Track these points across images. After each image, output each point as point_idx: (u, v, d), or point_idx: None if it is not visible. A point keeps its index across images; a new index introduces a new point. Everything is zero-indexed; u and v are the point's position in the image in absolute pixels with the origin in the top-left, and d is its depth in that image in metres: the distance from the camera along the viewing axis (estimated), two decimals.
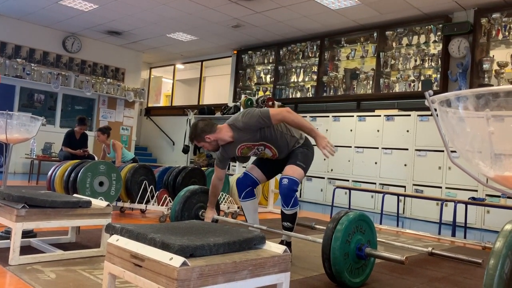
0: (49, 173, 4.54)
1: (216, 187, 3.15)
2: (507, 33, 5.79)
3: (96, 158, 6.75)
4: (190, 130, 3.10)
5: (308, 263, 2.87)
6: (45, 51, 8.97)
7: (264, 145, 2.97)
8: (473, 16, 6.04)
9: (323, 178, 7.21)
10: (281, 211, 2.90)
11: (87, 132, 7.45)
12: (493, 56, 5.88)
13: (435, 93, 1.17)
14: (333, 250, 2.30)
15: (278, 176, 3.08)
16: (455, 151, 1.26)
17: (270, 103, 5.08)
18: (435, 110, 1.18)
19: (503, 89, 0.99)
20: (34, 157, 7.48)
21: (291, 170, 2.86)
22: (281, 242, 2.91)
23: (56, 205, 2.50)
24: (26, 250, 2.58)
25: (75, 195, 3.13)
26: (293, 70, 8.36)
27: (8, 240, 2.50)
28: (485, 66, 5.85)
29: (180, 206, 3.24)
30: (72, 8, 7.54)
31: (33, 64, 8.64)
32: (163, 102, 12.80)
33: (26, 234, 2.81)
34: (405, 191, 6.15)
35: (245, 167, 5.95)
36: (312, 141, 2.90)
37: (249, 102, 5.25)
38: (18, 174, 8.35)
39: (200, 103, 10.63)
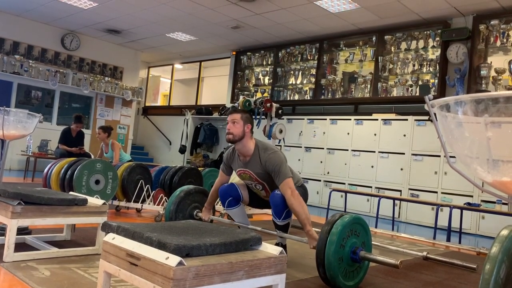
0: (45, 170, 4.52)
1: (218, 192, 3.10)
2: (505, 40, 5.82)
3: (92, 157, 6.72)
4: (240, 109, 2.98)
5: (304, 265, 2.87)
6: (44, 48, 8.94)
7: (264, 186, 2.92)
8: (471, 22, 6.07)
9: (319, 180, 7.21)
10: (273, 221, 2.82)
11: (83, 130, 7.43)
12: (491, 62, 5.91)
13: (433, 98, 1.18)
14: (328, 255, 2.28)
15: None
16: (454, 157, 1.26)
17: (268, 104, 5.08)
18: (435, 114, 1.18)
19: (503, 95, 1.00)
20: (30, 154, 7.45)
21: (285, 186, 2.71)
22: (277, 244, 2.90)
23: (52, 202, 2.50)
24: (20, 247, 2.57)
25: (71, 192, 3.12)
26: (292, 72, 8.37)
27: (3, 237, 2.49)
28: (483, 72, 5.87)
29: (174, 206, 3.24)
30: (71, 5, 7.52)
31: (31, 61, 8.60)
32: (160, 102, 12.78)
33: (21, 231, 2.80)
34: (401, 195, 6.16)
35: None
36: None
37: (247, 103, 5.25)
38: (14, 171, 8.31)
39: (197, 104, 10.62)
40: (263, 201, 3.07)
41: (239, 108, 5.52)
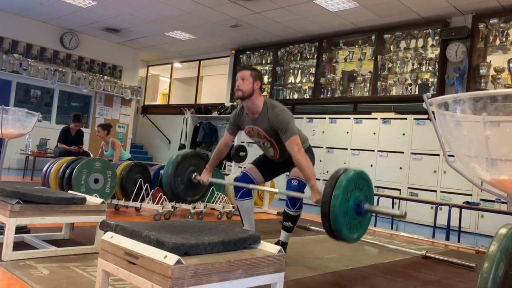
0: (44, 169, 4.52)
1: (221, 152, 3.13)
2: (504, 39, 5.82)
3: (91, 155, 6.72)
4: (249, 66, 3.00)
5: (303, 263, 2.87)
6: (43, 47, 8.93)
7: (272, 143, 2.92)
8: (471, 21, 6.06)
9: (319, 179, 7.20)
10: (284, 211, 2.86)
11: (82, 129, 7.42)
12: (490, 61, 5.91)
13: (432, 97, 1.18)
14: (333, 209, 2.30)
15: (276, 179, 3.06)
16: (452, 155, 1.26)
17: None
18: (433, 112, 1.18)
19: (501, 93, 1.00)
20: (29, 153, 7.44)
21: (299, 173, 2.79)
22: (277, 242, 2.90)
23: (51, 201, 2.49)
24: (19, 246, 2.56)
25: (69, 191, 3.12)
26: (291, 71, 8.37)
27: (1, 236, 2.49)
28: (482, 71, 5.87)
29: (172, 171, 3.20)
30: (71, 4, 7.51)
31: (30, 60, 8.59)
32: (160, 101, 12.77)
33: (20, 229, 2.80)
34: (400, 194, 6.16)
35: (240, 167, 5.96)
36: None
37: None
38: (13, 169, 8.31)
39: (197, 102, 10.61)
40: (274, 167, 3.08)
41: (238, 106, 5.52)
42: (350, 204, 2.38)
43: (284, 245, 2.92)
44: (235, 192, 3.04)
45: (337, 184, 2.34)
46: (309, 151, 2.98)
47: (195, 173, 3.28)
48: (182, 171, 3.28)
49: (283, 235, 2.93)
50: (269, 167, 3.10)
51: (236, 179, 3.03)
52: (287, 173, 3.00)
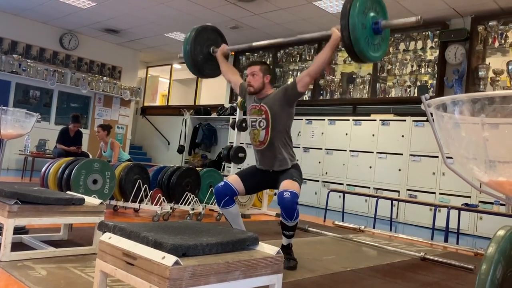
0: (43, 169, 4.51)
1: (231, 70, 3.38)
2: (503, 41, 5.83)
3: (90, 156, 6.71)
4: (258, 61, 3.18)
5: (301, 265, 2.87)
6: (42, 48, 8.93)
7: (268, 124, 2.91)
8: (470, 23, 6.07)
9: (318, 181, 7.21)
10: (281, 222, 2.79)
11: (81, 129, 7.42)
12: (489, 63, 5.92)
13: (431, 98, 1.18)
14: (352, 16, 2.39)
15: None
16: (451, 157, 1.26)
17: None
18: (431, 114, 1.18)
19: (499, 94, 1.00)
20: (28, 153, 7.43)
21: (291, 184, 2.75)
22: (282, 247, 2.82)
23: (49, 202, 2.49)
24: (17, 246, 2.56)
25: (68, 192, 3.12)
26: (290, 72, 8.37)
27: (0, 236, 2.48)
28: (481, 73, 5.88)
29: (193, 35, 3.35)
30: (70, 5, 7.51)
31: (29, 60, 8.59)
32: (159, 102, 12.77)
33: (18, 230, 2.79)
34: (399, 195, 6.16)
35: (239, 168, 5.95)
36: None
37: (245, 104, 5.24)
38: (12, 170, 8.30)
39: (196, 104, 10.62)
40: (258, 181, 3.05)
41: (237, 107, 5.52)
42: (368, 19, 2.48)
43: (287, 247, 2.86)
44: (217, 202, 2.95)
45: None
46: (296, 168, 2.97)
47: (213, 46, 3.42)
48: (202, 41, 3.39)
49: (284, 240, 2.86)
50: (254, 181, 3.03)
51: (217, 189, 2.94)
52: (276, 191, 2.90)
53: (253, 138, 3.01)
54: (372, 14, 2.53)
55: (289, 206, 2.67)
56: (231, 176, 3.05)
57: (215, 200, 4.84)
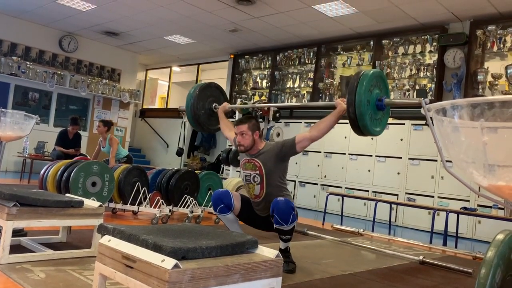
0: (42, 172, 4.50)
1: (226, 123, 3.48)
2: (501, 45, 5.85)
3: (88, 158, 6.70)
4: (245, 116, 3.21)
5: (300, 268, 2.87)
6: (41, 50, 8.93)
7: (262, 179, 2.90)
8: (468, 28, 6.10)
9: (316, 184, 7.21)
10: (276, 229, 2.73)
11: (80, 132, 7.41)
12: (488, 67, 5.93)
13: (430, 102, 1.18)
14: (358, 93, 2.59)
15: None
16: (450, 161, 1.26)
17: (266, 108, 5.08)
18: (431, 118, 1.19)
19: (498, 99, 1.00)
20: (26, 155, 7.42)
21: (283, 197, 2.77)
22: (280, 251, 2.76)
23: (48, 204, 2.48)
24: (16, 249, 2.55)
25: (67, 194, 3.11)
26: (289, 76, 8.38)
27: None
28: (480, 77, 5.90)
29: (196, 92, 3.62)
30: (70, 7, 7.52)
31: (28, 62, 8.59)
32: (158, 104, 12.77)
33: (17, 233, 2.79)
34: (397, 199, 6.16)
35: (238, 171, 5.95)
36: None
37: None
38: (10, 172, 8.28)
39: None
40: (253, 218, 3.03)
41: (236, 110, 5.53)
42: (372, 96, 2.68)
43: (286, 250, 2.84)
44: (213, 206, 2.96)
45: (361, 77, 2.64)
46: (286, 191, 3.00)
47: (215, 103, 3.61)
48: (204, 98, 3.60)
49: (282, 244, 2.83)
50: (251, 213, 3.02)
51: (216, 194, 2.95)
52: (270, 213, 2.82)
53: (248, 192, 3.03)
54: (376, 91, 2.73)
55: (283, 208, 2.65)
56: (235, 192, 3.06)
57: (209, 204, 4.85)
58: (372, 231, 4.98)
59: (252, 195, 2.98)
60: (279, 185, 2.95)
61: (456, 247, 4.50)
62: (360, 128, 2.66)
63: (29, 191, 2.70)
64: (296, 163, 7.46)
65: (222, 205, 2.92)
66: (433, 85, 6.39)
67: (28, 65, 8.54)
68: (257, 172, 2.94)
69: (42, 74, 8.75)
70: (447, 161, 1.22)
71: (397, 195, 6.26)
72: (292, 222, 2.70)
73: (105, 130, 6.05)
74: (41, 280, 2.12)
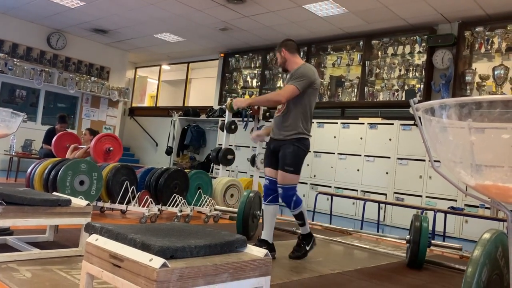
0: (29, 170, 4.45)
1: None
2: (489, 47, 5.92)
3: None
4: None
5: (289, 267, 2.87)
6: (29, 47, 8.82)
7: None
8: (457, 29, 6.16)
9: (306, 183, 7.23)
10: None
11: (68, 130, 7.33)
12: (476, 68, 6.00)
13: (418, 102, 1.19)
14: None
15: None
16: (438, 161, 1.27)
17: (256, 107, 5.07)
18: (419, 118, 1.19)
19: (486, 99, 1.01)
20: (13, 153, 7.33)
21: (281, 178, 3.10)
22: (299, 237, 3.30)
23: (35, 202, 2.46)
24: (1, 248, 2.52)
25: (54, 193, 3.08)
26: (280, 75, 8.39)
27: None
28: (468, 78, 5.96)
29: (247, 204, 3.69)
30: (58, 4, 7.44)
31: (16, 59, 8.48)
32: (147, 103, 12.69)
33: (3, 231, 2.75)
34: (386, 198, 6.20)
35: (228, 170, 5.94)
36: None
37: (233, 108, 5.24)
38: None
39: (185, 105, 10.58)
40: (275, 156, 3.27)
41: (226, 109, 5.51)
42: None
43: (306, 236, 3.27)
44: (264, 197, 3.25)
45: None
46: (300, 143, 3.19)
47: (258, 211, 3.86)
48: (254, 205, 3.80)
49: (301, 229, 3.29)
50: (273, 158, 3.26)
51: (266, 186, 3.26)
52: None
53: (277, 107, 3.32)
54: None
55: (284, 199, 3.11)
56: (266, 170, 3.32)
57: (203, 202, 4.85)
58: (361, 230, 5.00)
59: (277, 110, 3.28)
60: (299, 109, 3.17)
61: None
62: None
63: (16, 190, 2.66)
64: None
65: (275, 194, 3.20)
66: (422, 86, 6.45)
67: (15, 62, 8.43)
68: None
69: (30, 71, 8.65)
70: (435, 161, 1.22)
71: (385, 194, 6.30)
72: (295, 208, 3.12)
73: (91, 139, 5.98)
74: (27, 279, 2.09)
